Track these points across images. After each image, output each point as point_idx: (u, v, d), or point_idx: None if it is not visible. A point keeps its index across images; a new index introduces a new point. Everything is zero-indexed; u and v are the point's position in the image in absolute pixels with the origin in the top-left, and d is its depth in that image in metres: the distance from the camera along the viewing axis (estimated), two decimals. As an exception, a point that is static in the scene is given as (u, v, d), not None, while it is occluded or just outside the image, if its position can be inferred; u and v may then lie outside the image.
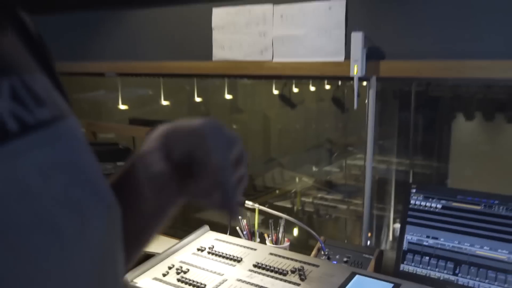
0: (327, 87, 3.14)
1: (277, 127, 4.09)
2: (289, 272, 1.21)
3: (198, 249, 1.37)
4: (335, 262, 1.36)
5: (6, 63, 0.39)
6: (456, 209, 1.27)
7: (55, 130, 0.40)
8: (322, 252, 1.41)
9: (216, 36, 1.69)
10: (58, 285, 0.34)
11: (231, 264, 1.28)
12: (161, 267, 1.28)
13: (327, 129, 3.69)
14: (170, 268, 1.28)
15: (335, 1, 1.43)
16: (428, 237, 1.29)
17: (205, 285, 1.18)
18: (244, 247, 1.37)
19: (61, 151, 0.40)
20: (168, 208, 0.57)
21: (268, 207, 1.53)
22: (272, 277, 1.20)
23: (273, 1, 1.55)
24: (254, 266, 1.26)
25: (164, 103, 2.45)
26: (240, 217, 1.54)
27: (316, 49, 1.48)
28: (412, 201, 1.33)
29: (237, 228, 1.55)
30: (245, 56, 1.63)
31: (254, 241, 1.52)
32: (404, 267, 1.30)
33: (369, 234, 2.53)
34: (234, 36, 1.65)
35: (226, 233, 1.49)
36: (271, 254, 1.32)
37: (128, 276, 1.21)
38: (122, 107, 2.34)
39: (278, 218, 1.48)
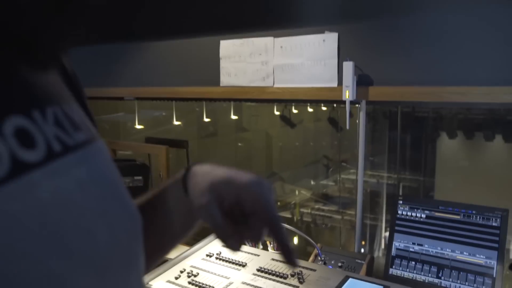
0: (324, 108, 3.16)
1: (278, 144, 4.10)
2: (289, 276, 1.22)
3: (207, 255, 1.38)
4: (330, 267, 1.38)
5: (50, 94, 0.42)
6: (438, 219, 1.29)
7: (89, 150, 0.43)
8: (319, 258, 1.43)
9: (223, 64, 1.72)
10: (91, 282, 0.37)
11: (236, 269, 1.29)
12: (174, 271, 1.30)
13: (323, 146, 3.71)
14: (181, 272, 1.29)
15: (328, 35, 1.46)
16: (414, 244, 1.31)
17: (213, 287, 1.20)
18: (249, 253, 1.38)
19: (94, 169, 0.42)
20: (189, 231, 0.61)
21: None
22: (274, 280, 1.22)
23: (274, 34, 1.58)
24: (258, 270, 1.27)
25: (176, 123, 2.47)
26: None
27: (312, 76, 1.50)
28: (399, 212, 1.35)
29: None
30: (249, 82, 1.65)
31: (258, 248, 1.53)
32: (393, 271, 1.31)
33: (363, 243, 2.54)
34: (239, 65, 1.67)
35: (232, 241, 1.50)
36: (273, 259, 1.33)
37: (144, 279, 1.22)
38: (139, 126, 2.37)
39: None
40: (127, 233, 0.44)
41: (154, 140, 2.36)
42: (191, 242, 1.51)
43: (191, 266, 1.32)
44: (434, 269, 1.25)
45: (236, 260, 1.33)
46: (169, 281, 1.25)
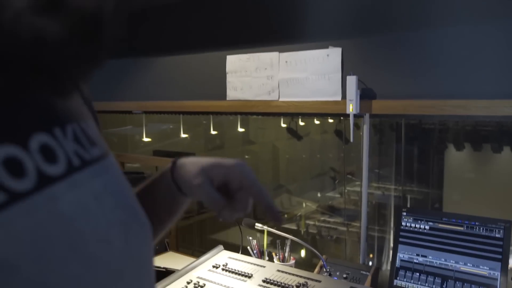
0: (331, 120, 3.18)
1: (285, 157, 4.12)
2: (294, 287, 1.25)
3: (214, 266, 1.41)
4: (335, 278, 1.40)
5: (70, 112, 0.46)
6: (442, 230, 1.31)
7: (103, 164, 0.47)
8: (324, 269, 1.45)
9: (230, 79, 1.75)
10: (109, 284, 0.41)
11: (242, 280, 1.32)
12: (181, 282, 1.32)
13: (330, 158, 3.72)
14: (188, 283, 1.31)
15: (332, 50, 1.50)
16: (418, 255, 1.33)
17: (220, 298, 1.22)
18: (254, 264, 1.41)
19: (108, 181, 0.46)
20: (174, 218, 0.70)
21: (276, 229, 1.57)
22: (279, 291, 1.24)
23: (279, 49, 1.62)
24: (263, 281, 1.29)
25: (184, 135, 2.52)
26: (251, 237, 1.59)
27: (316, 90, 1.54)
28: (403, 223, 1.38)
29: (248, 247, 1.59)
30: (255, 96, 1.69)
31: (263, 259, 1.56)
32: (397, 282, 1.33)
33: (371, 255, 2.55)
34: (246, 79, 1.70)
35: (238, 252, 1.53)
36: (278, 271, 1.35)
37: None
38: (146, 139, 2.42)
39: (284, 238, 1.52)
40: (139, 240, 0.48)
41: (161, 153, 2.41)
42: (198, 254, 1.54)
43: (198, 277, 1.34)
44: (438, 280, 1.27)
45: (242, 271, 1.35)
46: (176, 292, 1.27)
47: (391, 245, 2.40)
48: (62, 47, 0.33)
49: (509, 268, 1.21)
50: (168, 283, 1.31)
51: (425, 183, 3.11)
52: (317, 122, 3.58)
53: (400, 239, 1.37)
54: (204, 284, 1.30)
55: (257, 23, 1.70)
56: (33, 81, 0.35)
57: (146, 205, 0.62)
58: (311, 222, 2.66)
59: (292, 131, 3.41)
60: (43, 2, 0.31)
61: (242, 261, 1.43)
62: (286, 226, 2.69)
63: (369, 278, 1.37)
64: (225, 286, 1.29)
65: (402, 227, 1.37)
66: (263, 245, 1.60)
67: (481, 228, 1.26)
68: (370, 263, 1.57)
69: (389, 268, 1.37)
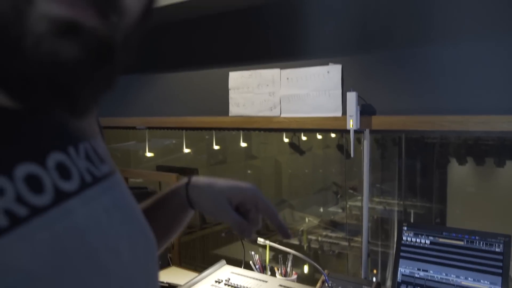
0: (333, 135, 3.19)
1: (288, 171, 4.14)
2: (296, 301, 1.26)
3: (216, 281, 1.42)
4: (337, 293, 1.41)
5: (82, 131, 0.49)
6: (442, 245, 1.33)
7: (112, 180, 0.50)
8: (326, 284, 1.46)
9: (232, 95, 1.79)
10: None
11: (245, 294, 1.33)
12: (184, 297, 1.34)
13: (333, 173, 3.74)
14: (191, 297, 1.33)
15: (332, 66, 1.54)
16: (419, 269, 1.34)
17: (222, 312, 1.24)
18: (257, 279, 1.42)
19: (116, 197, 0.49)
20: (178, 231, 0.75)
21: (278, 244, 1.58)
22: (281, 305, 1.25)
23: (280, 66, 1.66)
24: (265, 296, 1.31)
25: (186, 150, 2.55)
26: (253, 252, 1.61)
27: (317, 106, 1.57)
28: (404, 238, 1.39)
29: (250, 262, 1.60)
30: (257, 112, 1.72)
31: (266, 274, 1.57)
32: (399, 297, 1.34)
33: (375, 271, 2.55)
34: (248, 95, 1.74)
35: (240, 267, 1.55)
36: (280, 285, 1.37)
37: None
38: (149, 154, 2.45)
39: (287, 253, 1.54)
40: (145, 253, 0.51)
41: (164, 168, 2.44)
42: (200, 269, 1.56)
43: (201, 292, 1.36)
44: (439, 295, 1.28)
45: (244, 286, 1.37)
46: (179, 306, 1.29)
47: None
48: (78, 70, 0.36)
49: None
50: (171, 297, 1.33)
51: (428, 197, 3.12)
52: (319, 136, 3.61)
53: (401, 254, 1.38)
54: (207, 299, 1.32)
55: (258, 40, 1.74)
56: (50, 102, 0.38)
57: (155, 219, 0.65)
58: (313, 237, 2.67)
59: (294, 146, 3.43)
60: (62, 28, 0.34)
61: (245, 276, 1.45)
62: (288, 241, 2.71)
63: (371, 293, 1.38)
64: (227, 300, 1.30)
65: (403, 242, 1.39)
66: (266, 260, 1.62)
67: (481, 243, 1.27)
68: (374, 279, 1.58)
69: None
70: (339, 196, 3.20)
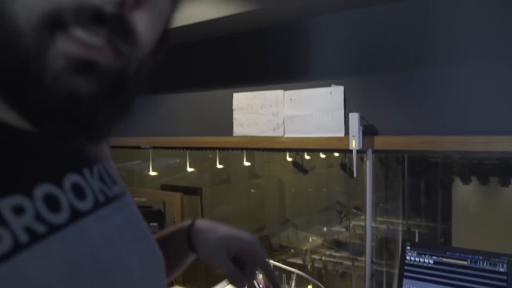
0: (336, 154, 3.22)
1: (291, 190, 4.15)
2: (300, 321, 1.27)
3: (220, 301, 1.43)
4: (341, 313, 1.41)
5: (96, 154, 0.52)
6: (446, 264, 1.33)
7: (123, 201, 0.52)
8: (330, 304, 1.46)
9: (236, 115, 1.82)
10: None
11: (249, 314, 1.34)
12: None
13: (336, 192, 3.74)
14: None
15: (335, 88, 1.57)
16: (423, 290, 1.35)
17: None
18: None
19: (127, 216, 0.52)
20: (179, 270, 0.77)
21: (281, 263, 1.59)
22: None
23: (284, 87, 1.69)
24: (269, 316, 1.31)
25: (190, 170, 2.57)
26: (256, 271, 1.61)
27: (320, 126, 1.60)
28: (407, 257, 1.40)
29: (254, 281, 1.61)
30: (260, 132, 1.74)
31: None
32: (403, 317, 1.34)
33: (380, 292, 2.54)
34: (251, 116, 1.77)
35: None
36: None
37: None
38: (153, 173, 2.48)
39: (290, 273, 1.55)
40: (154, 270, 0.53)
41: (169, 187, 2.46)
42: (204, 289, 1.57)
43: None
44: (444, 315, 1.28)
45: (248, 306, 1.37)
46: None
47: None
48: (93, 103, 0.39)
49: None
50: (175, 317, 1.34)
51: (432, 217, 3.12)
52: (322, 156, 3.62)
53: (405, 274, 1.39)
54: (211, 319, 1.32)
55: (262, 62, 1.78)
56: (68, 131, 0.41)
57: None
58: (317, 257, 2.67)
59: (298, 165, 3.45)
60: (78, 66, 0.37)
61: (248, 295, 1.45)
62: (292, 260, 2.70)
63: (375, 313, 1.39)
64: (231, 320, 1.31)
65: (406, 261, 1.40)
66: (269, 279, 1.62)
67: (485, 262, 1.28)
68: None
69: (395, 303, 1.39)
70: (342, 215, 3.21)
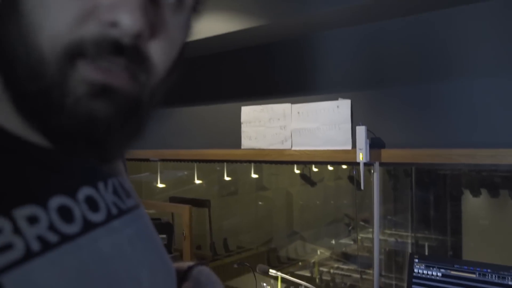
0: (344, 166, 3.21)
1: (299, 203, 4.14)
2: (308, 334, 1.27)
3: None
4: (349, 326, 1.41)
5: (111, 169, 0.54)
6: (454, 277, 1.33)
7: (136, 213, 0.54)
8: (338, 317, 1.47)
9: (245, 128, 1.84)
10: None
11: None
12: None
13: (344, 205, 3.73)
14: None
15: (342, 101, 1.59)
16: (431, 303, 1.35)
17: None
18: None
19: (140, 228, 0.54)
20: None
21: (289, 276, 1.60)
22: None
23: (291, 101, 1.72)
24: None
25: (198, 182, 2.58)
26: (265, 284, 1.62)
27: (327, 139, 1.61)
28: (415, 270, 1.40)
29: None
30: (268, 145, 1.76)
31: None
32: (412, 331, 1.34)
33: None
34: (259, 129, 1.79)
35: (253, 299, 1.56)
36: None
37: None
38: (161, 185, 2.50)
39: (298, 285, 1.55)
40: (165, 282, 0.55)
41: (177, 199, 2.47)
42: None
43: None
44: (452, 329, 1.28)
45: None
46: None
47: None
48: (110, 125, 0.42)
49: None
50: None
51: (441, 230, 3.10)
52: (330, 168, 3.62)
53: (413, 286, 1.39)
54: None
55: (270, 76, 1.81)
56: (83, 149, 0.43)
57: None
58: (325, 269, 2.66)
59: (306, 177, 3.45)
60: (97, 91, 0.40)
61: (257, 308, 1.46)
62: (300, 272, 2.69)
63: (383, 327, 1.39)
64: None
65: (414, 274, 1.40)
66: (277, 292, 1.63)
67: (494, 275, 1.28)
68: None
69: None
70: (350, 228, 3.20)
